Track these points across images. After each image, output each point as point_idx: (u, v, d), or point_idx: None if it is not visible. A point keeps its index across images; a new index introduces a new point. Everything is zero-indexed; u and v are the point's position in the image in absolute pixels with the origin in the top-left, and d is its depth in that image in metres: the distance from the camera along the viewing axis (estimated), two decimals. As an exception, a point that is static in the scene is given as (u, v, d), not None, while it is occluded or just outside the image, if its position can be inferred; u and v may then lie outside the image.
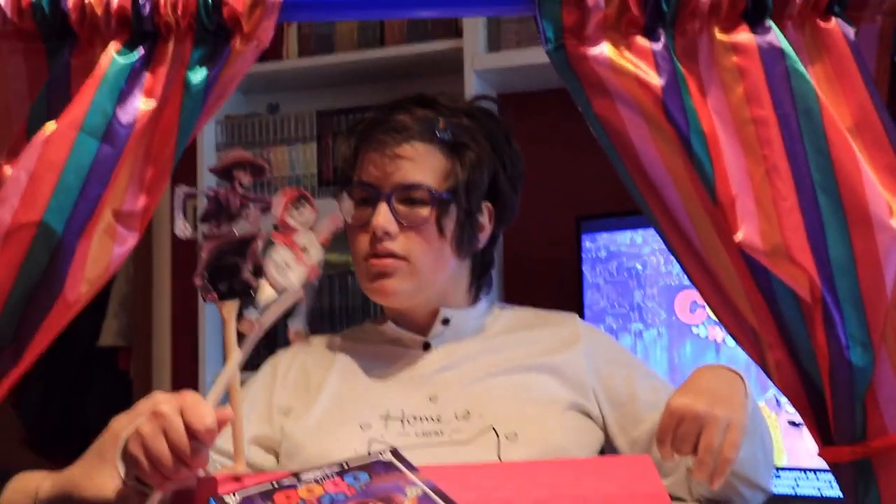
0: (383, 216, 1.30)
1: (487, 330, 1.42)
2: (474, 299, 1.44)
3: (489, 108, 1.44)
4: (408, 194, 1.31)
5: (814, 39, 0.77)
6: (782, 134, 0.74)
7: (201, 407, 0.91)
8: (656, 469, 0.98)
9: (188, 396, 0.93)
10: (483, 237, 1.39)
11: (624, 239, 1.97)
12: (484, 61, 2.10)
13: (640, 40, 0.77)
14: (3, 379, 0.74)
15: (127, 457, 0.92)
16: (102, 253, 0.76)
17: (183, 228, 0.90)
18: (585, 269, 2.00)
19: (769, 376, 0.78)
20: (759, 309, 0.76)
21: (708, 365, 1.21)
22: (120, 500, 1.03)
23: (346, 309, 2.19)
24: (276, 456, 1.33)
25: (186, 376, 2.46)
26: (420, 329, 1.41)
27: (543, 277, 2.15)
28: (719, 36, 0.77)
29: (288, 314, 0.93)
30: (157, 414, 0.91)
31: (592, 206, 2.14)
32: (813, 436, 0.77)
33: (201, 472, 0.95)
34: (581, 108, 0.80)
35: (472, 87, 2.07)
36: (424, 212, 1.30)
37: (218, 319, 2.43)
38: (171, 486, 0.92)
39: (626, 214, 2.01)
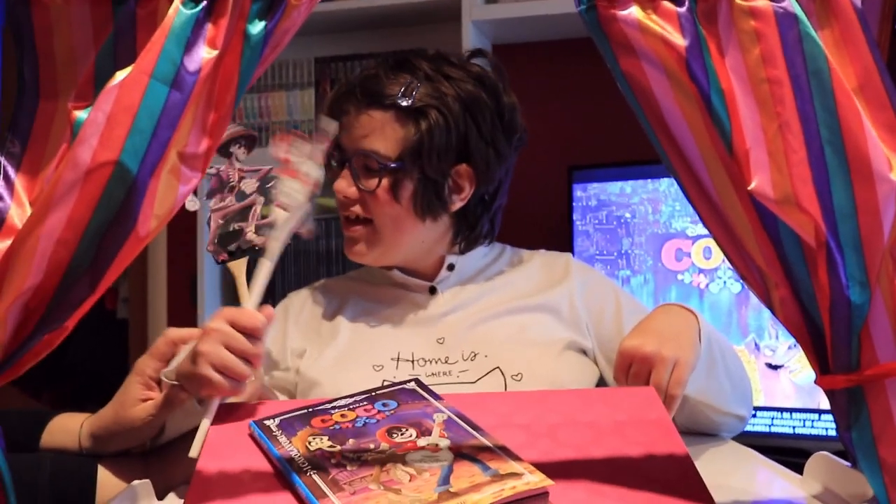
0: (345, 180, 1.41)
1: (488, 271, 1.50)
2: (464, 249, 1.50)
3: (483, 66, 1.46)
4: (364, 161, 1.39)
5: (823, 6, 0.84)
6: (794, 93, 0.81)
7: (246, 311, 1.03)
8: (660, 399, 1.06)
9: (226, 310, 1.03)
10: (460, 198, 1.43)
11: (614, 189, 2.05)
12: (481, 12, 2.15)
13: (666, 4, 0.84)
14: (80, 305, 0.81)
15: (191, 378, 1.00)
16: (169, 191, 0.82)
17: (191, 202, 1.03)
18: (576, 216, 2.08)
19: (773, 312, 0.86)
20: (767, 251, 0.84)
21: (664, 305, 1.28)
22: (157, 421, 1.10)
23: (341, 252, 2.25)
24: (291, 398, 1.41)
25: (183, 323, 2.55)
26: (426, 275, 1.48)
27: (535, 224, 2.22)
28: (738, 1, 0.83)
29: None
30: (209, 331, 1.01)
31: (584, 156, 2.22)
32: (812, 366, 0.85)
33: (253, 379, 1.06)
34: (609, 66, 0.87)
35: (468, 37, 2.11)
36: (376, 180, 1.38)
37: (214, 265, 2.48)
38: (238, 393, 1.02)
39: (617, 165, 2.09)
